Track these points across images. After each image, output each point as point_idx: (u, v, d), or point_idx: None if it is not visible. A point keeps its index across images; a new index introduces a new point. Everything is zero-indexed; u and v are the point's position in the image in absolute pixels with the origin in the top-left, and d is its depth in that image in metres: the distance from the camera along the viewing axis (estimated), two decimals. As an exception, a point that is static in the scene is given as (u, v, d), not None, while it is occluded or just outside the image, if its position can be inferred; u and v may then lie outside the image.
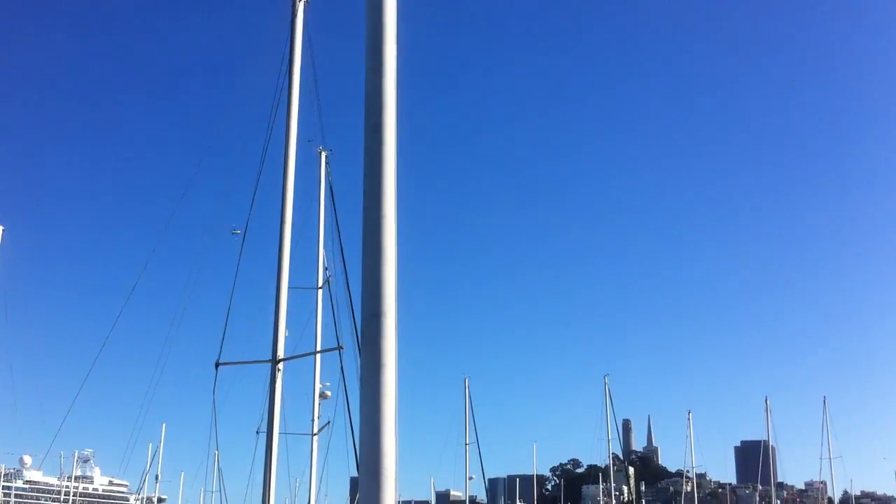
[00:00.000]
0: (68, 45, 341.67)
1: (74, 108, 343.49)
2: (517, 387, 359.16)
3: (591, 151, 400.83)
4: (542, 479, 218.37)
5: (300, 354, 25.01)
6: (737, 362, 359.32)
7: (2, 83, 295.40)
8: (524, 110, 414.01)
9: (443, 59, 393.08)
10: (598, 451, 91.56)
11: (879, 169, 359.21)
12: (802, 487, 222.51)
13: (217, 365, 23.71)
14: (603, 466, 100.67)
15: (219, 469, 39.86)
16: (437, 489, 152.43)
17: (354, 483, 60.65)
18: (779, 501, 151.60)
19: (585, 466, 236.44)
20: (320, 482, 34.04)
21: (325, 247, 33.73)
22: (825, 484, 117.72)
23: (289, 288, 22.32)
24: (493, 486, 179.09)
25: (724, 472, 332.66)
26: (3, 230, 53.56)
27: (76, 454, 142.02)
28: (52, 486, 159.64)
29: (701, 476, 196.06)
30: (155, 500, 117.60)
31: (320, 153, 32.85)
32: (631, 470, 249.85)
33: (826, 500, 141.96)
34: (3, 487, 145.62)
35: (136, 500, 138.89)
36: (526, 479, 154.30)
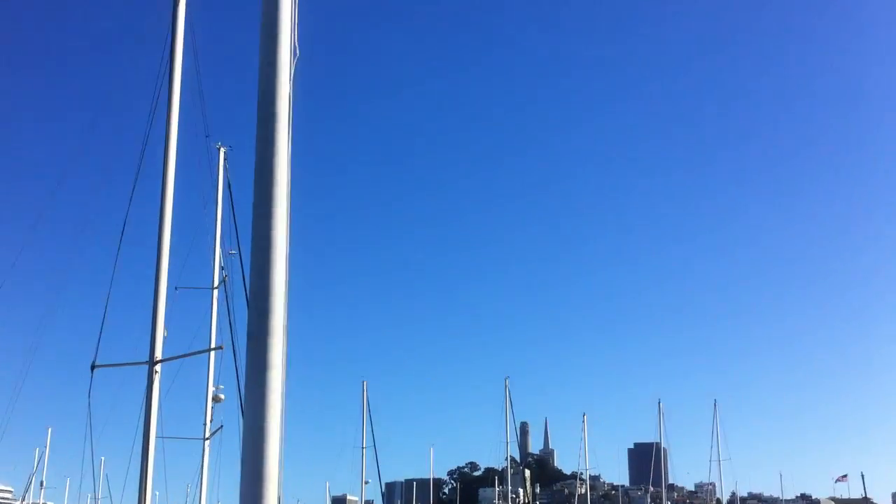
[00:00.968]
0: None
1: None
2: (416, 389, 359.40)
3: (478, 167, 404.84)
4: (439, 483, 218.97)
5: (178, 356, 24.32)
6: (632, 366, 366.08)
7: None
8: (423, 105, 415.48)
9: (357, 52, 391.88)
10: (495, 453, 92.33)
11: (750, 170, 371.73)
12: (692, 489, 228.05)
13: (93, 367, 22.81)
14: (500, 469, 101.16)
15: (105, 476, 38.71)
16: (333, 493, 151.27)
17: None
18: (669, 503, 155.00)
19: (483, 469, 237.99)
20: (213, 488, 33.37)
21: (222, 245, 33.02)
22: (714, 485, 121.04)
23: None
24: (390, 490, 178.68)
25: (618, 473, 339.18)
26: None
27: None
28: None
29: (595, 478, 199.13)
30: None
31: (219, 149, 32.26)
32: (527, 472, 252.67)
33: (715, 501, 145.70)
34: None
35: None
36: (423, 483, 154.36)
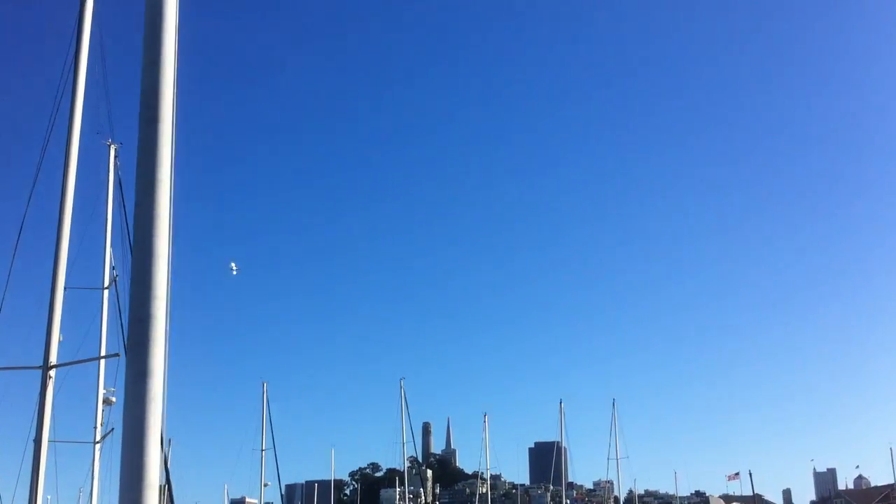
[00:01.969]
0: None
1: None
2: (318, 391, 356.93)
3: (367, 167, 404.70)
4: (340, 484, 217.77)
5: (74, 361, 23.67)
6: (533, 367, 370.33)
7: None
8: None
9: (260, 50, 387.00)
10: (397, 454, 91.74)
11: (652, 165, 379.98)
12: (591, 487, 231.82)
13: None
14: (402, 470, 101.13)
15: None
16: (232, 496, 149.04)
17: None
18: (568, 501, 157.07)
19: (385, 470, 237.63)
20: (105, 491, 32.56)
21: (112, 245, 32.21)
22: (612, 483, 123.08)
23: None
24: (290, 492, 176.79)
25: (519, 473, 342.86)
26: None
27: None
28: None
29: (496, 477, 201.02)
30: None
31: (109, 147, 31.47)
32: (429, 472, 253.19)
33: (612, 499, 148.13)
34: None
35: None
36: (324, 485, 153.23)
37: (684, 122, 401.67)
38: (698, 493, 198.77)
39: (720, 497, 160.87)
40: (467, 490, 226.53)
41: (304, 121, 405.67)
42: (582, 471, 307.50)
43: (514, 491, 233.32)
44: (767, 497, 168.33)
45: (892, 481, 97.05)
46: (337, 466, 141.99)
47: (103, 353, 29.86)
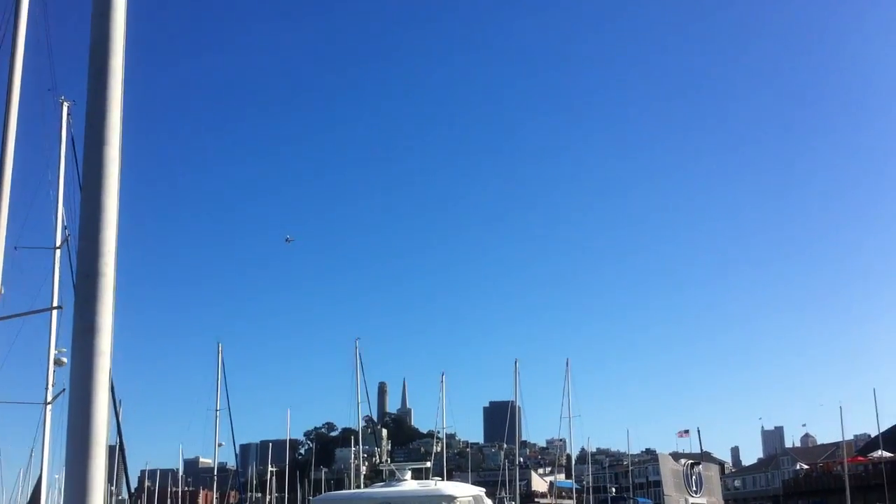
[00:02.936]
0: None
1: None
2: (274, 352, 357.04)
3: (321, 133, 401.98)
4: (295, 444, 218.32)
5: (14, 314, 23.35)
6: (489, 327, 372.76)
7: None
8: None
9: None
10: (352, 414, 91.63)
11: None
12: (544, 445, 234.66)
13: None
14: (357, 429, 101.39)
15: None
16: (186, 457, 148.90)
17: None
18: (521, 459, 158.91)
19: (340, 430, 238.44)
20: (56, 453, 32.26)
21: (65, 204, 31.56)
22: (564, 441, 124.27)
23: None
24: (244, 451, 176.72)
25: (473, 432, 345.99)
26: None
27: None
28: None
29: (451, 436, 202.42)
30: None
31: (62, 104, 30.77)
32: (384, 432, 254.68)
33: (565, 457, 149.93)
34: None
35: None
36: (279, 444, 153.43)
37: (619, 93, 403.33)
38: (648, 451, 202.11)
39: (670, 454, 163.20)
40: (422, 449, 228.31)
41: (258, 76, 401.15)
42: (536, 430, 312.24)
43: (468, 449, 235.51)
44: (716, 455, 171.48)
45: (838, 439, 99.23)
46: (293, 427, 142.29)
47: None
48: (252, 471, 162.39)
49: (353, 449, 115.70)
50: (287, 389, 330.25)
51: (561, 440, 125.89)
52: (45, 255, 31.17)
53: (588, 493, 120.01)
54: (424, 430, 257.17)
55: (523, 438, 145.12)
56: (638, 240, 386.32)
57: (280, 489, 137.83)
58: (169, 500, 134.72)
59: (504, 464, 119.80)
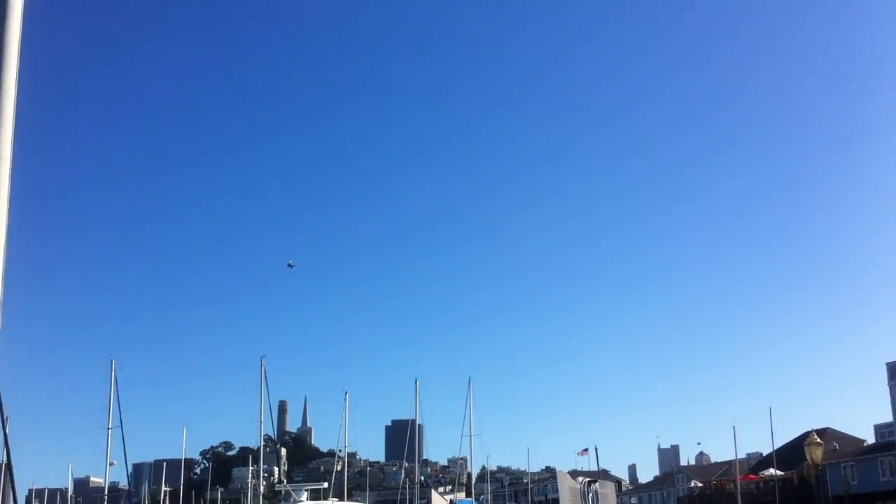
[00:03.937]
0: None
1: None
2: (171, 369, 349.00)
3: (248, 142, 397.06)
4: (190, 463, 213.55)
5: None
6: (392, 346, 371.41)
7: None
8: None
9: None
10: (251, 433, 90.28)
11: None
12: (445, 464, 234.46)
13: None
14: (255, 448, 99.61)
15: None
16: (76, 476, 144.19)
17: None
18: (423, 477, 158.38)
19: (238, 449, 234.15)
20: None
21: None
22: (465, 459, 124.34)
23: None
24: (137, 471, 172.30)
25: (374, 451, 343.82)
26: None
27: None
28: None
29: (352, 455, 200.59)
30: None
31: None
32: (283, 451, 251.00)
33: (466, 475, 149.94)
34: None
35: None
36: (174, 463, 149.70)
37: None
38: (548, 469, 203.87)
39: (568, 472, 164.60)
40: (322, 468, 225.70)
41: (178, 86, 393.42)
42: (437, 449, 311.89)
43: (369, 468, 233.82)
44: (613, 472, 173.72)
45: (731, 457, 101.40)
46: (190, 446, 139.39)
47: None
48: (145, 491, 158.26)
49: (250, 468, 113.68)
50: (184, 407, 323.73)
51: (462, 458, 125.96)
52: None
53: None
54: (325, 449, 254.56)
55: (424, 457, 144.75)
56: (532, 258, 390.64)
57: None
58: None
59: (405, 482, 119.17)
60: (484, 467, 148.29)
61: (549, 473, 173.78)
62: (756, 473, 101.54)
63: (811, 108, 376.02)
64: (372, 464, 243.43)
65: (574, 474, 79.28)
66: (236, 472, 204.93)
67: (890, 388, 77.56)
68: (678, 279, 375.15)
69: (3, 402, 21.67)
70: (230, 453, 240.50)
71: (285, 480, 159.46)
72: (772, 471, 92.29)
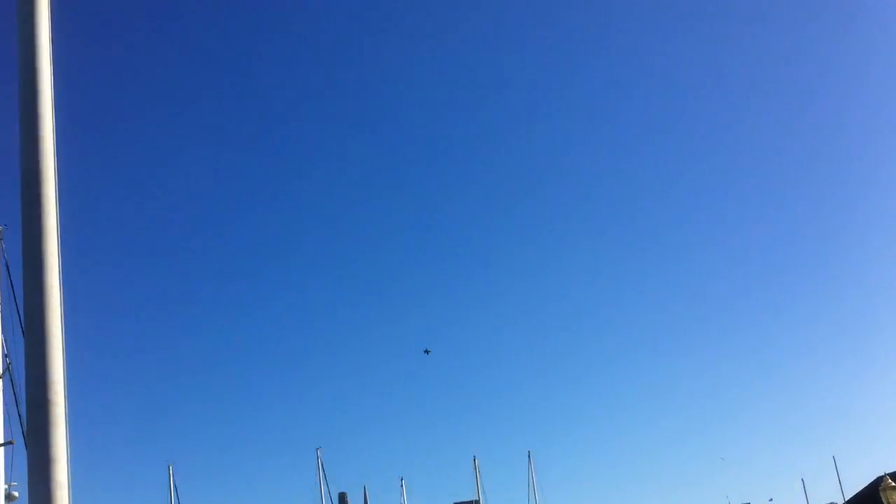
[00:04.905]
0: None
1: None
2: (229, 470, 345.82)
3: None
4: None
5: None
6: (447, 425, 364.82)
7: None
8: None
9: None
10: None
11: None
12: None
13: None
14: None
15: None
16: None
17: None
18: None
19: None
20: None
21: (4, 331, 30.80)
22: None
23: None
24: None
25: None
26: None
27: None
28: None
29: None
30: None
31: (-7, 228, 30.20)
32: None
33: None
34: None
35: None
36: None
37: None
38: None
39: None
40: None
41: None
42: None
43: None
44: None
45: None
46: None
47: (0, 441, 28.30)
48: None
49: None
50: (246, 501, 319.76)
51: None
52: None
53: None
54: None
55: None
56: (595, 332, 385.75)
57: None
58: None
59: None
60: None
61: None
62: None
63: None
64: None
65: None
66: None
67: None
68: (734, 336, 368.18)
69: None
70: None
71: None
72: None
